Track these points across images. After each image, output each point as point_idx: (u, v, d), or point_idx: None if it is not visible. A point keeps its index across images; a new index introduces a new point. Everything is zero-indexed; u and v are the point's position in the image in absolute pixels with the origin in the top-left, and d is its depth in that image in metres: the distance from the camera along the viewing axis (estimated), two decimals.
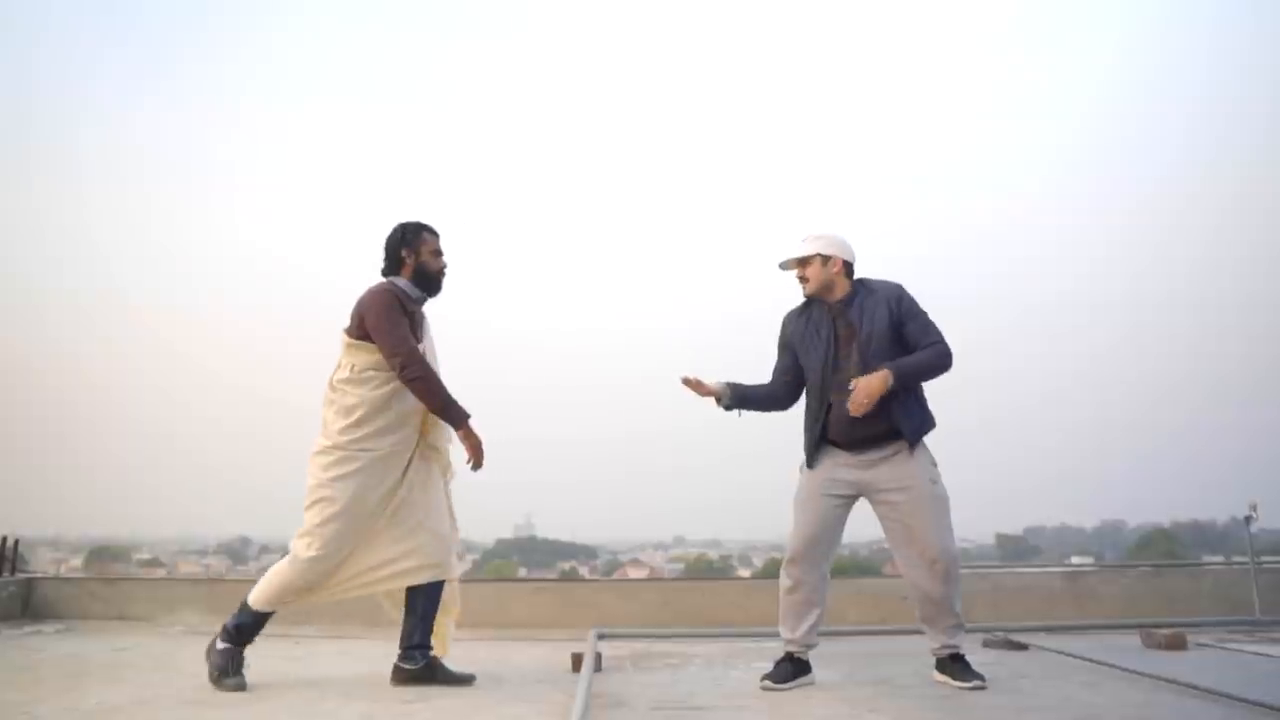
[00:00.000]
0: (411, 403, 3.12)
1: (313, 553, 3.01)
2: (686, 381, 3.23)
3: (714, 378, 3.25)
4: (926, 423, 3.09)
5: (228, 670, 3.02)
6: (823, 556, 3.10)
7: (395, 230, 3.27)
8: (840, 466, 3.09)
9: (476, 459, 3.12)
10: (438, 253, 3.27)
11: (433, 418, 3.18)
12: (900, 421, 3.02)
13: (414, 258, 3.23)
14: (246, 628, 3.09)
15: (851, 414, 2.96)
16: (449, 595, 3.24)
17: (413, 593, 3.11)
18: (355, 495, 3.02)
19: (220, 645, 3.06)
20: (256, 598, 3.09)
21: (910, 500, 2.99)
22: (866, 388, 2.94)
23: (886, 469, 3.04)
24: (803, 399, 3.26)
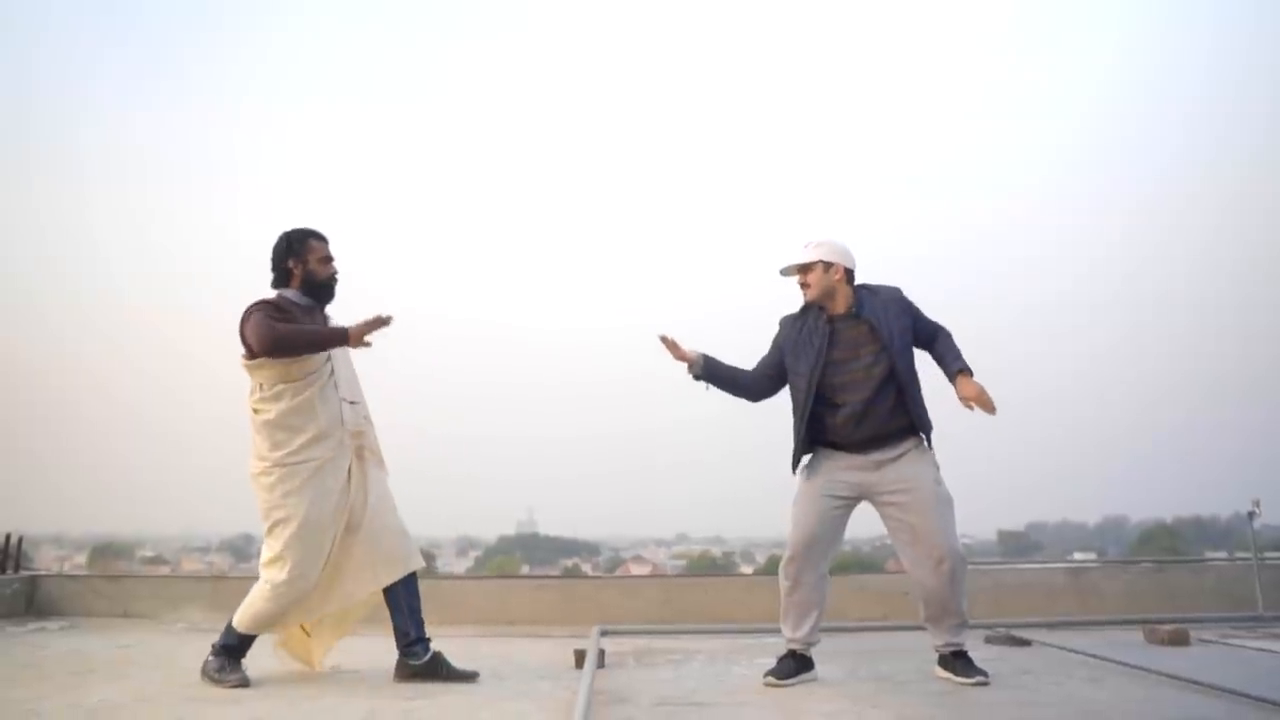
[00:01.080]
0: (334, 406, 3.10)
1: (286, 575, 2.99)
2: (664, 340, 3.25)
3: (693, 345, 3.26)
4: (929, 420, 3.12)
5: (225, 667, 3.03)
6: (821, 556, 3.10)
7: (280, 240, 3.20)
8: (843, 470, 3.10)
9: (382, 323, 3.04)
10: (326, 259, 3.20)
11: (358, 419, 3.18)
12: (917, 418, 3.06)
13: (301, 267, 3.17)
14: (234, 648, 3.09)
15: (990, 414, 2.98)
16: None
17: (390, 591, 3.11)
18: (310, 508, 3.00)
19: (213, 659, 3.07)
20: (241, 621, 3.09)
21: (916, 500, 3.00)
22: (977, 387, 2.99)
23: (892, 470, 3.05)
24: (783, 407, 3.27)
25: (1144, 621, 4.03)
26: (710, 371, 3.25)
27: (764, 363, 3.31)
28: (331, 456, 3.07)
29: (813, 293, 3.19)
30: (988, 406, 3.00)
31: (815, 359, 3.12)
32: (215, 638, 3.12)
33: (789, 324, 3.29)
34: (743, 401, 3.32)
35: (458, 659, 3.15)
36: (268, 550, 3.06)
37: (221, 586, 5.18)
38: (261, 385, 3.09)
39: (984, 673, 2.96)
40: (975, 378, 3.05)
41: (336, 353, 3.20)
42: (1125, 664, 3.16)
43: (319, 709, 2.68)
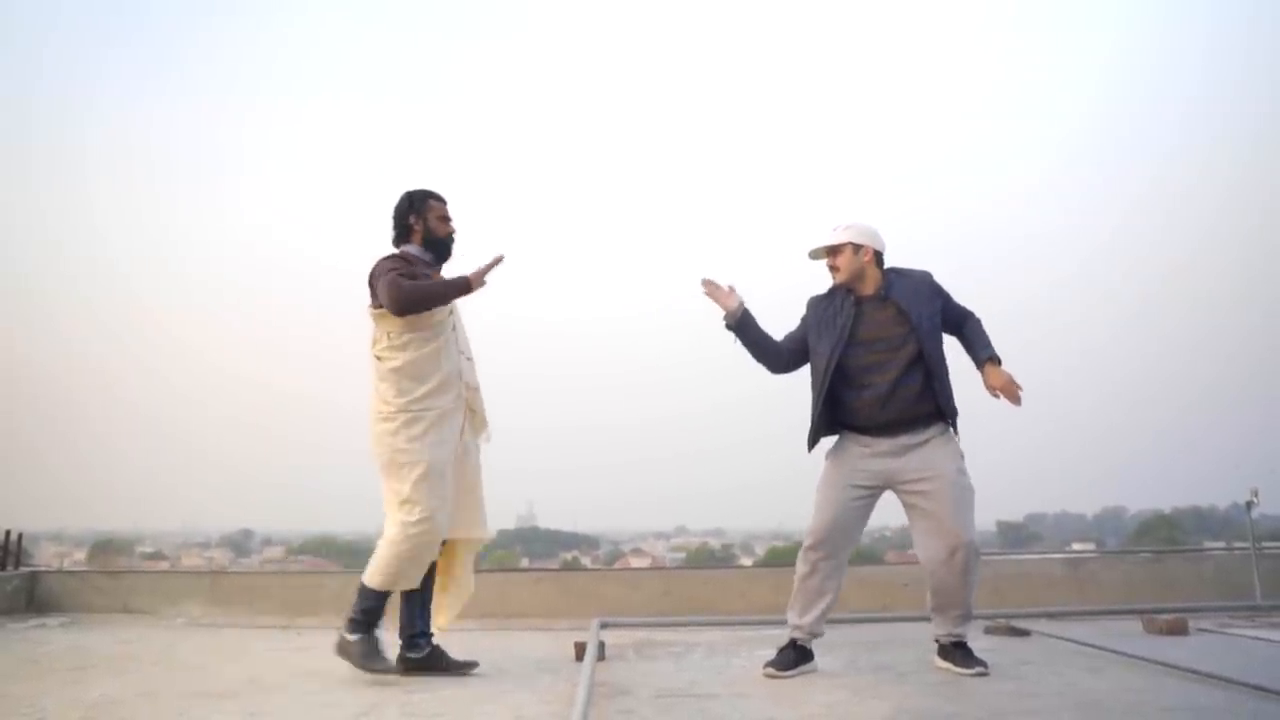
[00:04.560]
0: (455, 360, 3.17)
1: (418, 516, 2.98)
2: (706, 283, 3.27)
3: (738, 293, 3.26)
4: (955, 407, 3.11)
5: (371, 654, 2.99)
6: (842, 545, 3.10)
7: (402, 199, 3.30)
8: (867, 457, 3.08)
9: (498, 263, 3.14)
10: (445, 218, 3.30)
11: (473, 374, 3.26)
12: (944, 402, 3.05)
13: (422, 224, 3.26)
14: (373, 611, 3.04)
15: (1016, 406, 2.99)
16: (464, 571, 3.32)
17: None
18: (433, 453, 3.04)
19: (352, 637, 3.01)
20: (375, 577, 3.02)
21: (936, 489, 2.98)
22: (1006, 377, 2.99)
23: (917, 456, 3.03)
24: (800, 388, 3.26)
25: (1142, 611, 4.03)
26: (742, 326, 3.24)
27: (789, 337, 3.30)
28: (454, 408, 3.13)
29: (841, 275, 3.18)
30: (1013, 398, 2.98)
31: (837, 338, 3.11)
32: (216, 632, 3.11)
33: (815, 304, 3.28)
34: (762, 370, 3.31)
35: (458, 652, 3.16)
36: (394, 494, 3.03)
37: (221, 581, 5.17)
38: (389, 334, 3.13)
39: (983, 663, 2.97)
40: (1004, 366, 3.04)
41: (458, 307, 3.28)
42: (1124, 654, 3.17)
43: (321, 702, 2.69)
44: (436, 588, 3.26)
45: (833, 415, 3.15)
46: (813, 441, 3.18)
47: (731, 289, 3.27)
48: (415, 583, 3.08)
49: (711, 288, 3.28)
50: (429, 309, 3.10)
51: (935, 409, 3.06)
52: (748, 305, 3.27)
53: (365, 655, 2.99)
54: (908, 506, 3.07)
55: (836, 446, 3.19)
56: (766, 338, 3.27)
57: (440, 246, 3.29)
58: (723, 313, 3.26)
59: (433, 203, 3.28)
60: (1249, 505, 4.68)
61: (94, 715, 2.52)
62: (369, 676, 3.04)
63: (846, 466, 3.10)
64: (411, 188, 3.32)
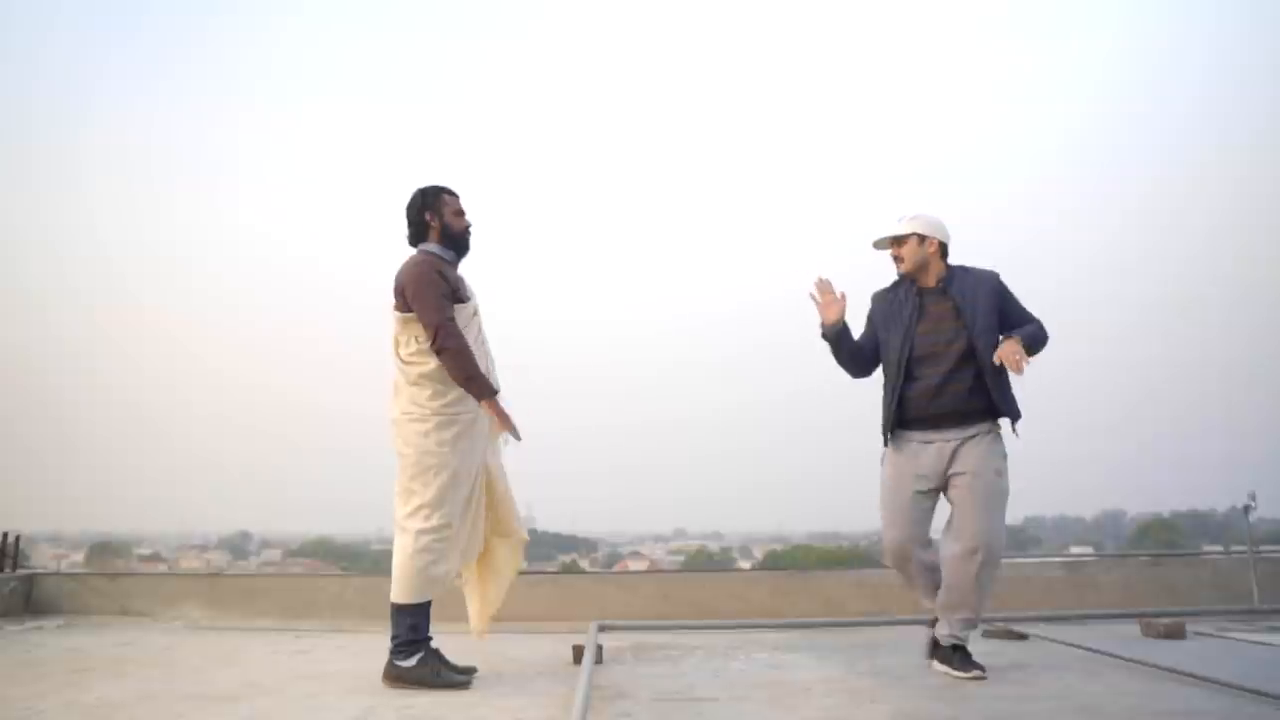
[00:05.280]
0: (483, 364, 3.14)
1: (437, 522, 2.97)
2: (820, 284, 3.26)
3: (844, 304, 3.23)
4: (1017, 408, 3.09)
5: (440, 671, 2.95)
6: (918, 545, 3.11)
7: (414, 196, 3.26)
8: (923, 461, 3.08)
9: (510, 431, 3.11)
10: (460, 212, 3.28)
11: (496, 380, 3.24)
12: (1000, 401, 3.06)
13: (438, 220, 3.23)
14: (418, 626, 2.97)
15: (1016, 374, 2.97)
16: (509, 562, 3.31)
17: None
18: (462, 460, 3.03)
19: (409, 662, 2.93)
20: (404, 594, 2.97)
21: (970, 485, 3.00)
22: (1011, 346, 2.96)
23: (962, 451, 3.04)
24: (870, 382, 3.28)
25: (1141, 615, 4.03)
26: (838, 335, 3.25)
27: (862, 339, 3.31)
28: (482, 414, 3.12)
29: (906, 265, 3.20)
30: (1014, 365, 2.93)
31: (906, 331, 3.13)
32: (214, 635, 3.11)
33: (881, 298, 3.30)
34: (844, 374, 3.32)
35: (455, 655, 3.15)
36: (414, 498, 3.01)
37: (219, 584, 5.16)
38: (416, 339, 3.09)
39: (981, 667, 2.97)
40: (1025, 352, 2.99)
41: (480, 310, 3.28)
42: (1122, 657, 3.17)
43: (318, 705, 2.69)
44: (481, 585, 3.29)
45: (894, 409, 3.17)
46: (887, 435, 3.19)
47: (842, 298, 3.26)
48: (445, 587, 3.06)
49: (825, 291, 3.26)
50: (451, 372, 3.03)
51: (986, 407, 3.07)
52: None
53: (435, 672, 2.93)
54: (947, 501, 3.10)
55: (893, 448, 3.18)
56: (858, 346, 3.28)
57: (458, 242, 3.26)
58: (821, 321, 3.26)
59: (446, 197, 3.26)
60: (1247, 509, 4.69)
61: (92, 718, 2.52)
62: (367, 679, 3.03)
63: (908, 471, 3.11)
64: (422, 185, 3.28)
